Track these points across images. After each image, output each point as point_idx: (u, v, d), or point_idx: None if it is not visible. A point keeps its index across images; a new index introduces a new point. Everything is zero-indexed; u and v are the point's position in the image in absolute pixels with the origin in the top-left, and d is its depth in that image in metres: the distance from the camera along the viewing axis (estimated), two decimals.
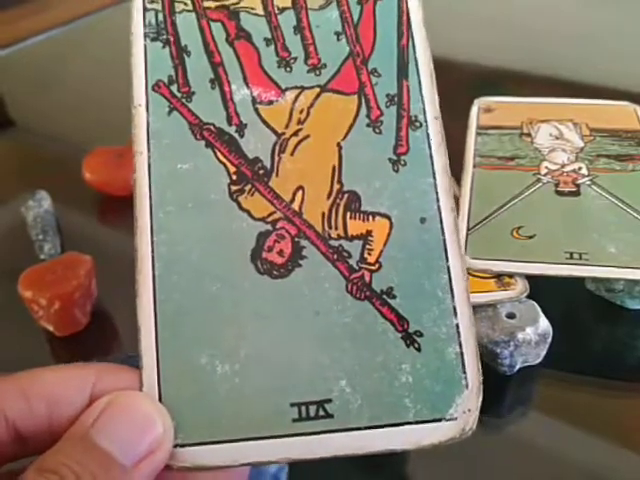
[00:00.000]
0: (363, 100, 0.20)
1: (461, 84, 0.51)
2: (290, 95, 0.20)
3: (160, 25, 0.21)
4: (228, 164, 0.20)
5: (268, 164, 0.20)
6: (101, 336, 0.31)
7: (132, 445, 0.17)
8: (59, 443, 0.17)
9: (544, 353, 0.26)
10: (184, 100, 0.20)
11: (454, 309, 0.18)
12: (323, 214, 0.19)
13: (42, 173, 0.43)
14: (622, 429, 0.25)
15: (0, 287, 0.33)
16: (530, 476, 0.23)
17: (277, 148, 0.20)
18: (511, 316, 0.26)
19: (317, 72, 0.20)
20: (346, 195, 0.19)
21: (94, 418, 0.17)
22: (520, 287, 0.27)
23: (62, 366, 0.19)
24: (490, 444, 0.24)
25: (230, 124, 0.20)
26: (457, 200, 0.32)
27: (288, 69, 0.20)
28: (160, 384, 0.18)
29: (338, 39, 0.20)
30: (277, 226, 0.19)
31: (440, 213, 0.19)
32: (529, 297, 0.26)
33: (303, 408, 0.18)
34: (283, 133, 0.20)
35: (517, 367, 0.26)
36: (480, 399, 0.17)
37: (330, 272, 0.19)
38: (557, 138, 0.35)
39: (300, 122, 0.20)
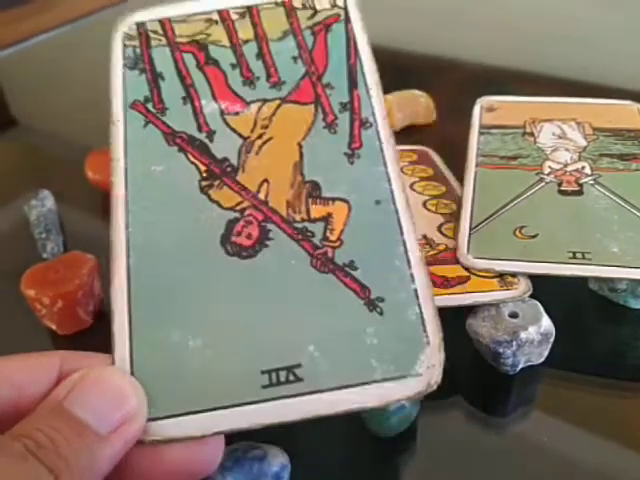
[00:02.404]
0: (319, 108, 0.23)
1: (464, 83, 0.51)
2: (254, 107, 0.23)
3: (137, 57, 0.24)
4: (199, 164, 0.22)
5: (235, 162, 0.22)
6: (104, 335, 0.30)
7: (106, 415, 0.17)
8: (32, 414, 0.17)
9: (547, 353, 0.26)
10: (158, 115, 0.23)
11: (411, 276, 0.20)
12: (287, 201, 0.22)
13: (45, 172, 0.43)
14: (625, 428, 0.25)
15: (3, 286, 0.33)
16: (533, 476, 0.23)
17: (243, 149, 0.23)
18: (514, 315, 0.26)
19: (277, 88, 0.24)
20: (307, 184, 0.22)
21: (67, 391, 0.17)
22: (523, 287, 0.27)
23: (26, 354, 0.19)
24: (492, 444, 0.24)
25: (200, 131, 0.23)
26: (460, 199, 0.32)
27: (252, 87, 0.24)
28: (132, 360, 0.19)
29: (295, 62, 0.24)
30: (245, 213, 0.21)
31: (393, 195, 0.21)
32: (532, 297, 0.26)
33: (273, 374, 0.19)
34: (248, 137, 0.23)
35: (520, 367, 0.26)
36: (443, 355, 0.19)
37: (295, 250, 0.21)
38: (560, 137, 0.35)
39: (263, 127, 0.23)
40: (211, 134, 0.23)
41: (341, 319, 0.20)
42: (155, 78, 0.24)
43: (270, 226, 0.21)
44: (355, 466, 0.24)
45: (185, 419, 0.18)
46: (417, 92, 0.45)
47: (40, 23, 0.66)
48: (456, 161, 0.36)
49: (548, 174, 0.32)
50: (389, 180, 0.22)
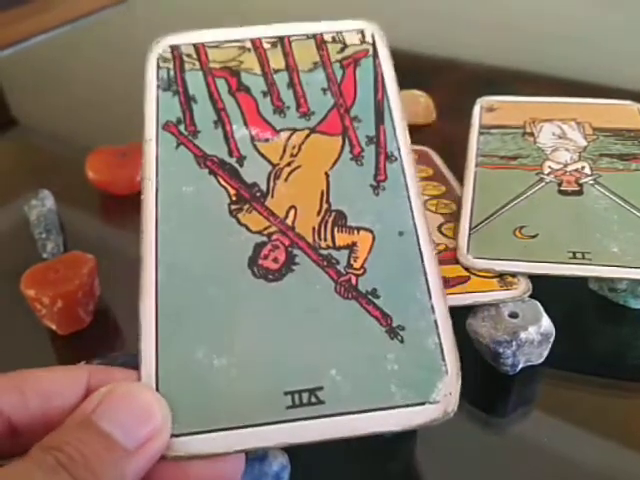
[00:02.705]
0: (347, 140, 0.24)
1: (464, 83, 0.51)
2: (284, 135, 0.24)
3: (171, 79, 0.25)
4: (228, 187, 0.23)
5: (264, 188, 0.23)
6: (104, 335, 0.31)
7: (133, 430, 0.17)
8: (61, 427, 0.17)
9: (547, 353, 0.26)
10: (190, 137, 0.24)
11: (432, 306, 0.21)
12: (313, 228, 0.22)
13: (45, 172, 0.43)
14: (625, 429, 0.25)
15: (3, 286, 0.33)
16: (533, 476, 0.23)
17: (272, 175, 0.23)
18: (514, 316, 0.26)
19: (307, 118, 0.24)
20: (334, 213, 0.22)
21: (94, 405, 0.17)
22: (523, 287, 0.27)
23: (56, 366, 0.20)
24: (492, 444, 0.24)
25: (231, 156, 0.23)
26: (460, 199, 0.32)
27: (282, 115, 0.24)
28: (158, 376, 0.19)
29: (324, 93, 0.25)
30: (272, 238, 0.22)
31: (416, 227, 0.22)
32: (532, 297, 0.26)
33: (296, 396, 0.19)
34: (278, 164, 0.24)
35: (520, 367, 0.26)
36: (459, 383, 0.19)
37: (320, 276, 0.21)
38: (560, 137, 0.35)
39: (292, 155, 0.24)
40: (241, 159, 0.23)
41: (363, 345, 0.20)
42: (188, 100, 0.25)
43: (296, 251, 0.22)
44: (355, 466, 0.24)
45: (208, 436, 0.18)
46: (417, 92, 0.45)
47: (40, 23, 0.66)
48: (456, 161, 0.36)
49: (548, 174, 0.32)
50: (412, 212, 0.22)
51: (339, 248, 0.22)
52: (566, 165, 0.32)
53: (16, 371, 0.18)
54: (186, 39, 0.26)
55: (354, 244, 0.22)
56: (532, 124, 0.36)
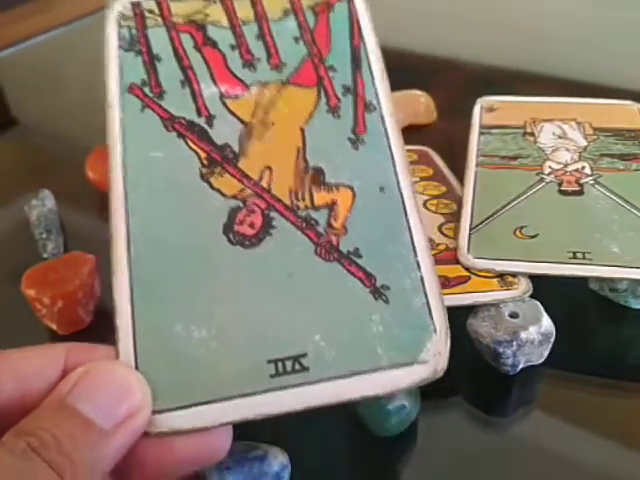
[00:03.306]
0: (322, 91, 0.23)
1: (464, 83, 0.51)
2: (255, 90, 0.23)
3: (133, 38, 0.23)
4: (199, 150, 0.22)
5: (236, 149, 0.22)
6: (104, 335, 0.30)
7: (110, 409, 0.16)
8: (35, 410, 0.17)
9: (547, 353, 0.26)
10: (156, 99, 0.22)
11: (417, 263, 0.20)
12: (290, 189, 0.21)
13: (45, 172, 0.43)
14: (625, 429, 0.25)
15: (4, 286, 0.33)
16: (533, 476, 0.23)
17: (244, 134, 0.22)
18: (514, 315, 0.26)
19: (279, 70, 0.23)
20: (311, 171, 0.21)
21: (70, 386, 0.17)
22: (523, 287, 0.27)
23: (32, 347, 0.19)
24: (493, 444, 0.24)
25: (200, 116, 0.22)
26: (460, 199, 0.32)
27: (252, 69, 0.23)
28: (136, 353, 0.19)
29: (297, 43, 0.23)
30: (247, 202, 0.21)
31: (398, 182, 0.21)
32: (532, 297, 0.26)
33: (279, 364, 0.18)
34: (250, 122, 0.22)
35: (520, 367, 0.26)
36: (448, 342, 0.19)
37: (299, 238, 0.20)
38: (560, 137, 0.35)
39: (265, 112, 0.22)
40: (211, 119, 0.22)
41: (346, 308, 0.19)
42: (152, 60, 0.23)
43: (273, 214, 0.21)
44: (355, 466, 0.24)
45: (191, 411, 0.18)
46: (417, 92, 0.45)
47: (40, 23, 0.66)
48: (456, 161, 0.36)
49: (548, 174, 0.32)
50: (394, 166, 0.21)
51: (318, 208, 0.21)
52: (566, 165, 0.32)
53: None
54: None
55: (333, 203, 0.21)
56: (532, 124, 0.36)
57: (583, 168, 0.32)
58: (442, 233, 0.30)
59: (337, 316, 0.19)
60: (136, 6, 0.24)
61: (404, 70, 0.58)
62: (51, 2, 0.71)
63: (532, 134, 0.35)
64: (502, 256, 0.28)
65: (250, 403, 0.18)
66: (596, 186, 0.31)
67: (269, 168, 0.21)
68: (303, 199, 0.21)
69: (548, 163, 0.33)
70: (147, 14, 0.24)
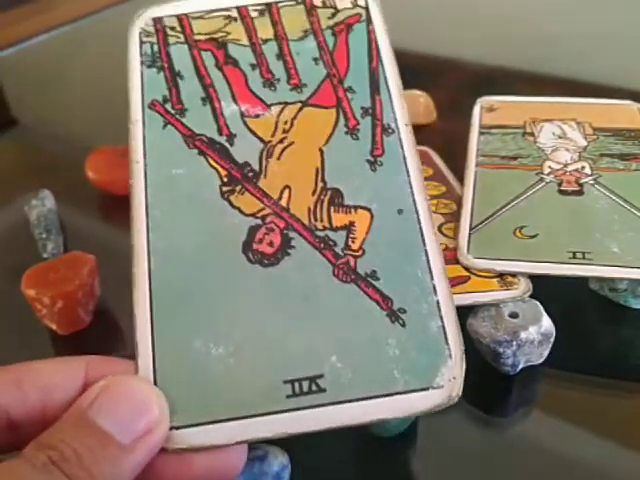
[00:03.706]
0: (341, 112, 0.23)
1: (464, 83, 0.51)
2: (275, 109, 0.23)
3: (155, 55, 0.24)
4: (219, 168, 0.22)
5: (257, 167, 0.22)
6: (104, 335, 0.31)
7: (129, 425, 0.17)
8: (57, 423, 0.17)
9: (547, 353, 0.26)
10: (177, 116, 0.23)
11: (434, 287, 0.20)
12: (309, 209, 0.21)
13: (45, 172, 0.43)
14: (625, 428, 0.25)
15: (3, 286, 0.33)
16: (533, 476, 0.23)
17: (264, 154, 0.22)
18: (514, 316, 0.26)
19: (298, 90, 0.23)
20: (329, 192, 0.21)
21: (91, 400, 0.17)
22: (523, 287, 0.27)
23: (54, 358, 0.19)
24: (493, 444, 0.24)
25: (221, 134, 0.22)
26: (460, 199, 0.32)
27: (272, 88, 0.23)
28: (155, 368, 0.19)
29: (316, 63, 0.24)
30: (266, 220, 0.21)
31: (415, 204, 0.21)
32: (532, 297, 0.26)
33: (296, 384, 0.18)
34: (270, 141, 0.22)
35: (520, 367, 0.26)
36: (464, 367, 0.19)
37: (317, 259, 0.20)
38: (560, 137, 0.35)
39: (285, 132, 0.23)
40: (231, 137, 0.22)
41: (363, 330, 0.19)
42: (174, 77, 0.23)
43: (292, 234, 0.21)
44: (355, 466, 0.24)
45: (208, 428, 0.18)
46: (417, 92, 0.45)
47: (41, 23, 0.66)
48: (456, 161, 0.36)
49: (548, 174, 0.32)
50: (411, 188, 0.21)
51: (336, 229, 0.21)
52: (566, 165, 0.32)
53: (14, 364, 0.18)
54: (169, 11, 0.25)
55: (352, 224, 0.21)
56: (532, 124, 0.36)
57: (583, 168, 0.32)
58: (442, 233, 0.30)
59: (353, 338, 0.19)
60: (158, 22, 0.25)
61: (404, 70, 0.58)
62: (51, 2, 0.71)
63: (532, 134, 0.35)
64: (502, 256, 0.28)
65: (267, 422, 0.18)
66: (596, 186, 0.31)
67: (288, 188, 0.22)
68: (321, 220, 0.21)
69: (548, 163, 0.33)
70: (169, 31, 0.24)
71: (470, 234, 0.29)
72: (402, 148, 0.22)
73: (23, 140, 0.49)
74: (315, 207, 0.21)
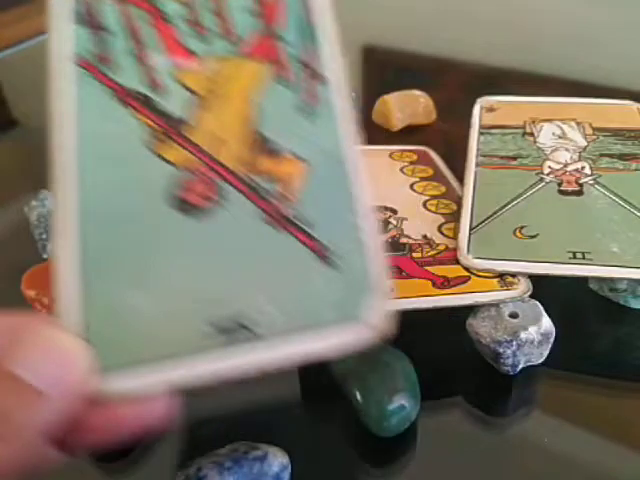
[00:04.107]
0: (275, 64, 0.23)
1: (464, 83, 0.51)
2: (207, 62, 0.23)
3: (82, 10, 0.23)
4: (149, 122, 0.22)
5: (187, 119, 0.22)
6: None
7: (48, 371, 0.16)
8: None
9: (547, 353, 0.26)
10: (106, 71, 0.22)
11: (362, 229, 0.21)
12: (241, 159, 0.21)
13: (45, 173, 0.43)
14: (625, 429, 0.25)
15: (3, 286, 0.33)
16: (533, 476, 0.23)
17: (195, 105, 0.22)
18: (514, 316, 0.26)
19: (232, 43, 0.23)
20: (263, 142, 0.22)
21: (8, 348, 0.16)
22: (523, 287, 0.27)
23: None
24: (493, 444, 0.24)
25: (150, 88, 0.22)
26: (460, 199, 0.32)
27: (205, 42, 0.23)
28: (80, 317, 0.18)
29: (251, 16, 0.23)
30: (197, 171, 0.21)
31: (347, 152, 0.22)
32: (532, 297, 0.26)
33: (225, 325, 0.19)
34: (200, 93, 0.22)
35: (520, 367, 0.26)
36: (388, 302, 0.20)
37: (250, 208, 0.21)
38: (560, 137, 0.35)
39: (217, 83, 0.22)
40: (162, 91, 0.22)
41: (292, 271, 0.20)
42: (103, 33, 0.23)
43: (223, 183, 0.21)
44: (355, 466, 0.24)
45: (134, 373, 0.18)
46: (417, 92, 0.45)
47: (40, 23, 0.66)
48: (456, 161, 0.36)
49: (548, 174, 0.32)
50: (343, 137, 0.22)
51: (269, 178, 0.21)
52: (566, 165, 0.32)
53: None
54: None
55: (285, 172, 0.21)
56: (532, 124, 0.36)
57: (583, 168, 0.32)
58: (442, 233, 0.30)
59: (282, 279, 0.20)
60: None
61: (404, 70, 0.58)
62: None
63: (532, 134, 0.35)
64: (502, 256, 0.28)
65: (195, 364, 0.18)
66: (596, 186, 0.31)
67: (220, 139, 0.22)
68: (254, 168, 0.21)
69: (548, 163, 0.33)
70: None
71: (470, 234, 0.29)
72: (336, 98, 0.22)
73: (23, 141, 0.49)
74: (247, 157, 0.21)
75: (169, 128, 0.22)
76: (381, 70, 0.56)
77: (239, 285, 0.20)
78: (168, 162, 0.21)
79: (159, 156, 0.21)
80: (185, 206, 0.20)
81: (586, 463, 0.23)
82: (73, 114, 0.21)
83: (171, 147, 0.21)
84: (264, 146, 0.22)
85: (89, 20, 0.23)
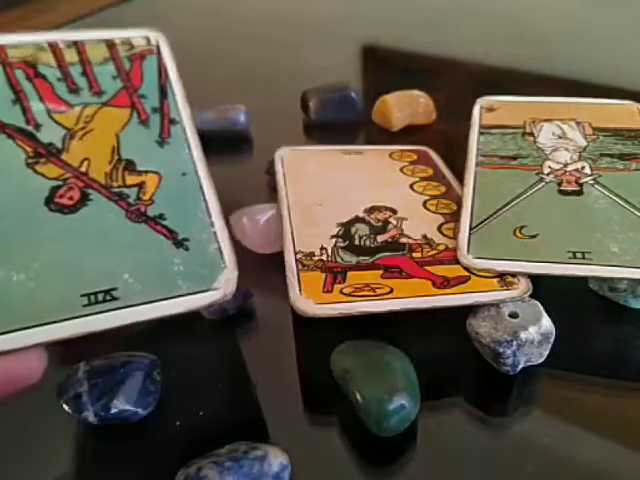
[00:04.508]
0: (134, 110, 0.28)
1: (464, 83, 0.51)
2: (78, 108, 0.28)
3: None
4: (26, 147, 0.26)
5: (60, 146, 0.26)
6: (99, 335, 0.31)
7: None
8: None
9: (547, 353, 0.26)
10: None
11: (212, 223, 0.25)
12: (106, 173, 0.26)
13: None
14: (625, 429, 0.25)
15: None
16: (533, 476, 0.23)
17: (67, 137, 0.27)
18: (514, 315, 0.26)
19: (99, 96, 0.29)
20: (124, 161, 0.27)
21: None
22: (523, 287, 0.27)
23: None
24: (492, 444, 0.24)
25: (28, 124, 0.27)
26: (460, 199, 0.32)
27: (76, 94, 0.28)
28: None
29: (114, 80, 0.29)
30: (67, 182, 0.25)
31: (196, 169, 0.27)
32: (532, 297, 0.26)
33: (92, 296, 0.22)
34: (72, 129, 0.27)
35: (520, 367, 0.26)
36: (236, 274, 0.24)
37: (112, 207, 0.25)
38: (560, 137, 0.35)
39: (86, 122, 0.28)
40: (38, 126, 0.27)
41: (152, 255, 0.24)
42: None
43: (90, 191, 0.25)
44: (355, 466, 0.24)
45: (8, 336, 0.21)
46: (417, 92, 0.45)
47: (41, 23, 0.66)
48: (456, 161, 0.36)
49: (548, 174, 0.32)
50: (192, 159, 0.27)
51: (129, 187, 0.26)
52: (566, 165, 0.32)
53: None
54: None
55: (143, 183, 0.26)
56: (532, 124, 0.36)
57: (583, 168, 0.32)
58: (442, 233, 0.30)
59: (144, 260, 0.24)
60: None
61: (404, 70, 0.58)
62: (51, 2, 0.71)
63: (532, 134, 0.35)
64: (502, 256, 0.28)
65: (63, 327, 0.21)
66: (596, 186, 0.31)
67: (87, 159, 0.26)
68: (117, 180, 0.26)
69: (548, 163, 0.33)
70: None
71: (470, 234, 0.29)
72: (185, 133, 0.28)
73: None
74: (111, 172, 0.26)
75: (45, 152, 0.26)
76: (381, 70, 0.56)
77: (106, 265, 0.23)
78: (44, 176, 0.25)
79: (35, 172, 0.25)
80: (57, 207, 0.25)
81: (586, 463, 0.23)
82: None
83: (46, 165, 0.26)
84: (124, 164, 0.26)
85: None
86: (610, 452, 0.24)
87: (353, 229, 0.31)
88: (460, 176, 0.34)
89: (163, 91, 0.29)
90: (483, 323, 0.26)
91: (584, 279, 0.29)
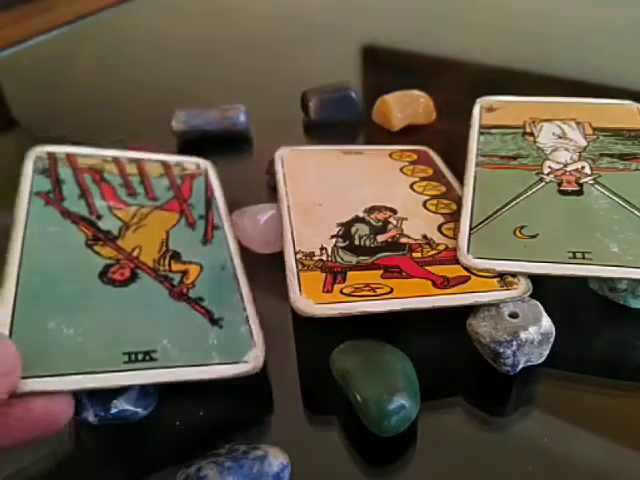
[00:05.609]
0: (183, 215, 0.33)
1: (464, 83, 0.51)
2: (135, 207, 0.33)
3: (45, 167, 0.34)
4: (87, 231, 0.30)
5: (116, 234, 0.31)
6: None
7: None
8: None
9: (547, 353, 0.26)
10: (57, 202, 0.31)
11: (244, 308, 0.28)
12: (154, 259, 0.30)
13: None
14: (625, 429, 0.25)
15: None
16: (533, 476, 0.23)
17: (123, 228, 0.31)
18: (514, 315, 0.26)
19: (153, 201, 0.34)
20: (171, 252, 0.30)
21: None
22: (523, 287, 0.27)
23: None
24: (493, 444, 0.24)
25: (90, 214, 0.31)
26: (460, 199, 0.32)
27: (134, 197, 0.34)
28: (12, 332, 0.24)
29: (167, 191, 0.35)
30: (120, 262, 0.29)
31: (234, 264, 0.31)
32: (532, 297, 0.26)
33: (133, 355, 0.25)
34: (128, 222, 0.32)
35: (520, 367, 0.26)
36: (263, 353, 0.26)
37: (158, 286, 0.28)
38: (560, 137, 0.35)
39: (140, 219, 0.32)
40: (99, 217, 0.31)
41: (190, 327, 0.27)
42: (58, 181, 0.33)
43: (139, 271, 0.29)
44: (355, 466, 0.24)
45: (53, 379, 0.23)
46: (417, 92, 0.45)
47: (40, 23, 0.66)
48: (456, 161, 0.36)
49: (548, 174, 0.32)
50: (231, 256, 0.31)
51: (174, 272, 0.29)
52: (566, 165, 0.32)
53: None
54: (61, 150, 0.35)
55: (186, 270, 0.29)
56: (532, 124, 0.36)
57: (583, 168, 0.32)
58: (442, 233, 0.30)
59: (182, 331, 0.26)
60: (51, 155, 0.35)
61: (404, 70, 0.58)
62: (51, 2, 0.71)
63: (532, 134, 0.35)
64: (502, 256, 0.28)
65: (101, 377, 0.23)
66: (596, 186, 0.31)
67: (139, 247, 0.30)
68: (163, 265, 0.29)
69: (548, 163, 0.33)
70: (58, 159, 0.35)
71: (470, 234, 0.29)
72: (225, 237, 0.32)
73: (23, 141, 0.49)
74: (159, 259, 0.30)
75: (103, 237, 0.30)
76: (381, 70, 0.56)
77: (148, 331, 0.26)
78: (99, 255, 0.29)
79: (93, 251, 0.29)
80: (109, 280, 0.28)
81: (586, 463, 0.23)
82: (28, 220, 0.30)
83: (103, 247, 0.29)
84: (170, 254, 0.30)
85: (50, 172, 0.33)
86: (610, 452, 0.24)
87: (353, 229, 0.31)
88: (460, 176, 0.34)
89: (208, 203, 0.35)
90: (483, 323, 0.26)
91: (584, 279, 0.29)
